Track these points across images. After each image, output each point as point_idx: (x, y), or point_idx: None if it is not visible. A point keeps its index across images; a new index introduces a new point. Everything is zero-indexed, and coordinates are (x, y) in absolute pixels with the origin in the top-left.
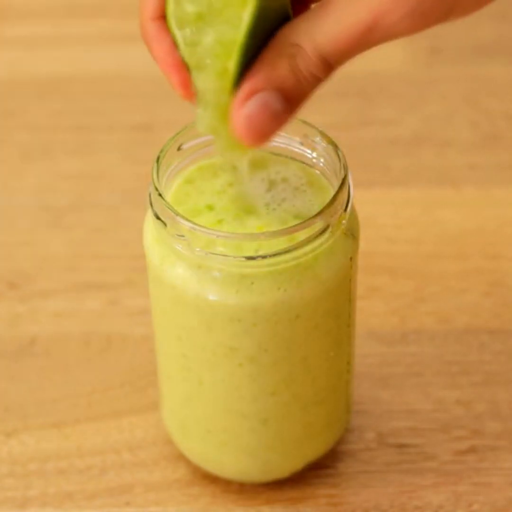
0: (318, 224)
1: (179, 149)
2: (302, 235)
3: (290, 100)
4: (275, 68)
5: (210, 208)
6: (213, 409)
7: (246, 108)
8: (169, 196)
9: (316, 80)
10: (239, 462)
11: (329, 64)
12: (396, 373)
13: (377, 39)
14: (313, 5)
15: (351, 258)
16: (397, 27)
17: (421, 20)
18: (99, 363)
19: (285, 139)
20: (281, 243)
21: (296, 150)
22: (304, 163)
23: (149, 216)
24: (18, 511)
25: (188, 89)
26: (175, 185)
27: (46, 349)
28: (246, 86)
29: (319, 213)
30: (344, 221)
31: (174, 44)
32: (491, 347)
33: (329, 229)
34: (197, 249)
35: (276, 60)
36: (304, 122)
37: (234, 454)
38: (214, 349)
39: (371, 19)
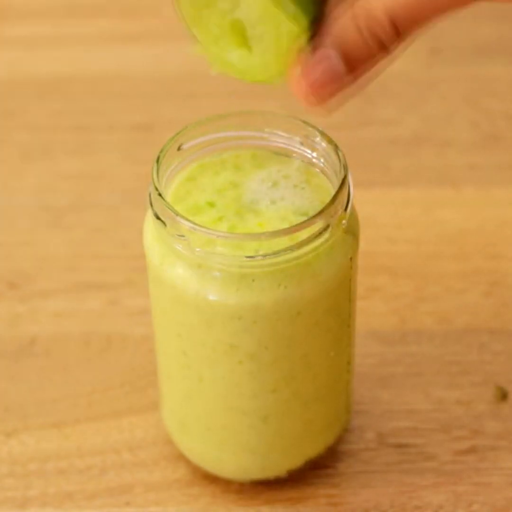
0: (319, 224)
1: (179, 149)
2: (302, 234)
3: (351, 62)
4: (338, 26)
5: (211, 205)
6: (213, 406)
7: (312, 73)
8: (169, 194)
9: (381, 47)
10: (239, 459)
11: (397, 29)
12: (396, 373)
13: (448, 4)
14: None
15: (351, 258)
16: None
17: None
18: (99, 363)
19: (285, 139)
20: (282, 242)
21: (296, 150)
22: (304, 161)
23: (149, 216)
24: (18, 511)
25: None
26: (176, 183)
27: (46, 349)
28: (318, 53)
29: (320, 212)
30: (344, 221)
31: None
32: (491, 347)
33: (329, 229)
34: (197, 249)
35: (340, 19)
36: (304, 122)
37: (234, 452)
38: (214, 347)
39: None
